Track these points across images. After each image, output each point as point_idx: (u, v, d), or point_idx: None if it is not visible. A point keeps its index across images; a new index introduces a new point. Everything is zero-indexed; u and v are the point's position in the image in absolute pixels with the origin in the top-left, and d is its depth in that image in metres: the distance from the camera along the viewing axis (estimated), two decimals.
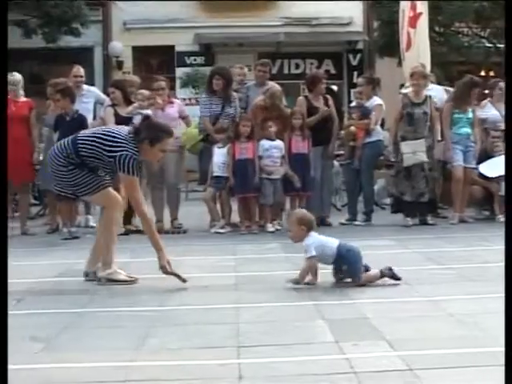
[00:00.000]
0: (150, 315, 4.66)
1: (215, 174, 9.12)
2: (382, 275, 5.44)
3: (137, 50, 20.73)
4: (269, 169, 9.02)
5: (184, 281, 5.54)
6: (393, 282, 5.41)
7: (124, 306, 4.94)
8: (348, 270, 5.47)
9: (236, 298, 5.08)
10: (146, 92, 9.59)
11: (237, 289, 5.44)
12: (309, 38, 20.93)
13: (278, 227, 8.98)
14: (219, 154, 9.14)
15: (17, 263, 6.58)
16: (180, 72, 18.60)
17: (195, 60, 20.69)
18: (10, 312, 4.84)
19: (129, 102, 9.28)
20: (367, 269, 5.48)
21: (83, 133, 6.13)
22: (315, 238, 5.51)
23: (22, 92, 9.69)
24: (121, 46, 20.29)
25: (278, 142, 9.10)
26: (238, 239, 8.39)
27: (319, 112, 9.33)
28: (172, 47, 20.76)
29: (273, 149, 9.07)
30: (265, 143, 9.07)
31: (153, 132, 5.73)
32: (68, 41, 18.07)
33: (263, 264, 6.66)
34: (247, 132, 8.94)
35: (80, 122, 9.10)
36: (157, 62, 21.29)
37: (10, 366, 3.56)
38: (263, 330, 4.18)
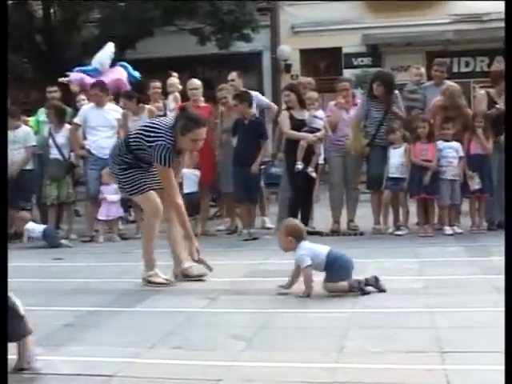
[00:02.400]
0: (343, 317, 4.67)
1: (392, 176, 9.02)
2: (350, 289, 5.30)
3: (304, 53, 20.90)
4: (444, 169, 8.83)
5: (210, 269, 5.81)
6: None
7: (314, 308, 4.99)
8: (328, 274, 5.39)
9: (428, 302, 4.99)
10: (314, 94, 9.66)
11: (427, 292, 5.35)
12: (479, 34, 20.22)
13: (459, 230, 8.77)
14: (395, 155, 9.02)
15: (217, 262, 6.87)
16: (348, 74, 18.52)
17: (362, 61, 20.60)
18: (206, 310, 5.07)
19: (303, 105, 9.37)
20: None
21: (135, 129, 6.37)
22: (306, 248, 5.43)
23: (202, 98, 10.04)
24: (289, 49, 20.53)
25: (454, 144, 8.88)
26: (417, 242, 8.26)
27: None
28: (339, 49, 20.76)
29: (447, 149, 8.87)
30: (439, 144, 8.89)
31: (184, 121, 5.80)
32: (238, 46, 18.56)
33: (448, 267, 6.49)
34: (425, 133, 8.78)
35: (258, 126, 9.30)
36: (324, 64, 21.39)
37: (212, 363, 3.71)
38: (463, 335, 4.09)
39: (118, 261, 7.79)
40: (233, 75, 10.47)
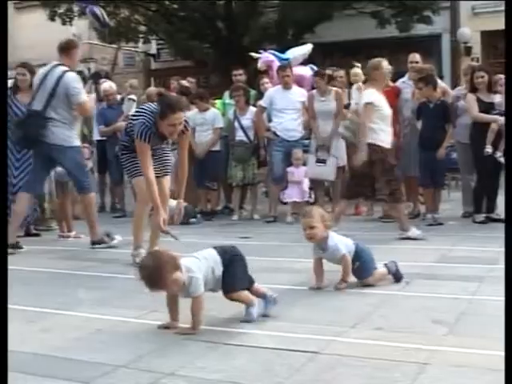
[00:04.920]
0: None
1: None
2: (389, 271, 5.29)
3: (485, 35, 20.13)
4: None
5: (176, 239, 5.88)
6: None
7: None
8: (360, 267, 5.22)
9: None
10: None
11: None
12: None
13: None
14: None
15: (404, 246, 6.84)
16: None
17: None
18: (402, 293, 5.05)
19: (491, 88, 9.14)
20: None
21: None
22: (337, 236, 5.24)
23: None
24: (469, 31, 19.90)
25: None
26: None
27: None
28: None
29: None
30: None
31: (161, 106, 6.07)
32: (417, 29, 18.17)
33: None
34: None
35: (443, 109, 9.12)
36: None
37: (415, 346, 3.70)
38: None
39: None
40: (416, 57, 10.30)
